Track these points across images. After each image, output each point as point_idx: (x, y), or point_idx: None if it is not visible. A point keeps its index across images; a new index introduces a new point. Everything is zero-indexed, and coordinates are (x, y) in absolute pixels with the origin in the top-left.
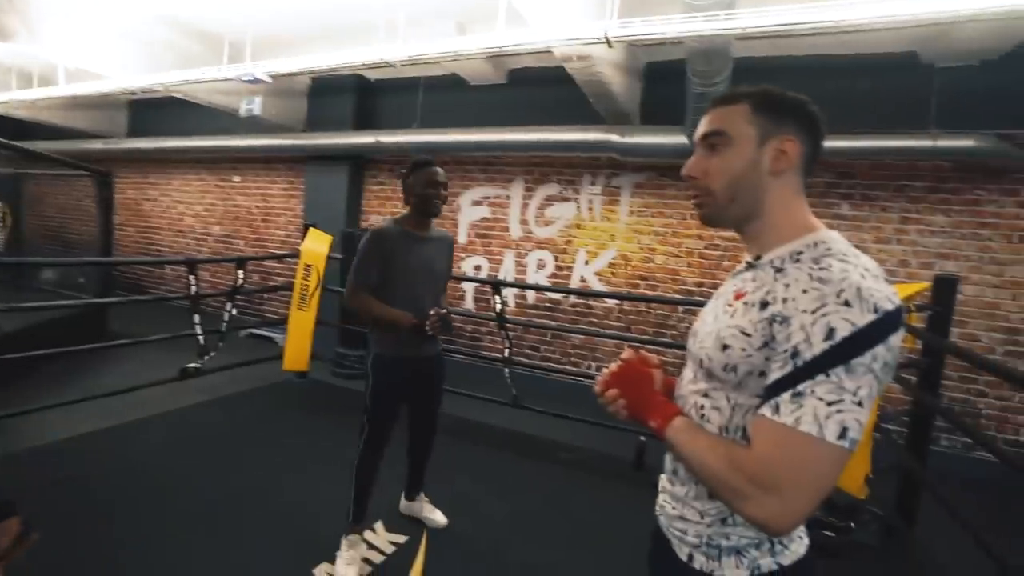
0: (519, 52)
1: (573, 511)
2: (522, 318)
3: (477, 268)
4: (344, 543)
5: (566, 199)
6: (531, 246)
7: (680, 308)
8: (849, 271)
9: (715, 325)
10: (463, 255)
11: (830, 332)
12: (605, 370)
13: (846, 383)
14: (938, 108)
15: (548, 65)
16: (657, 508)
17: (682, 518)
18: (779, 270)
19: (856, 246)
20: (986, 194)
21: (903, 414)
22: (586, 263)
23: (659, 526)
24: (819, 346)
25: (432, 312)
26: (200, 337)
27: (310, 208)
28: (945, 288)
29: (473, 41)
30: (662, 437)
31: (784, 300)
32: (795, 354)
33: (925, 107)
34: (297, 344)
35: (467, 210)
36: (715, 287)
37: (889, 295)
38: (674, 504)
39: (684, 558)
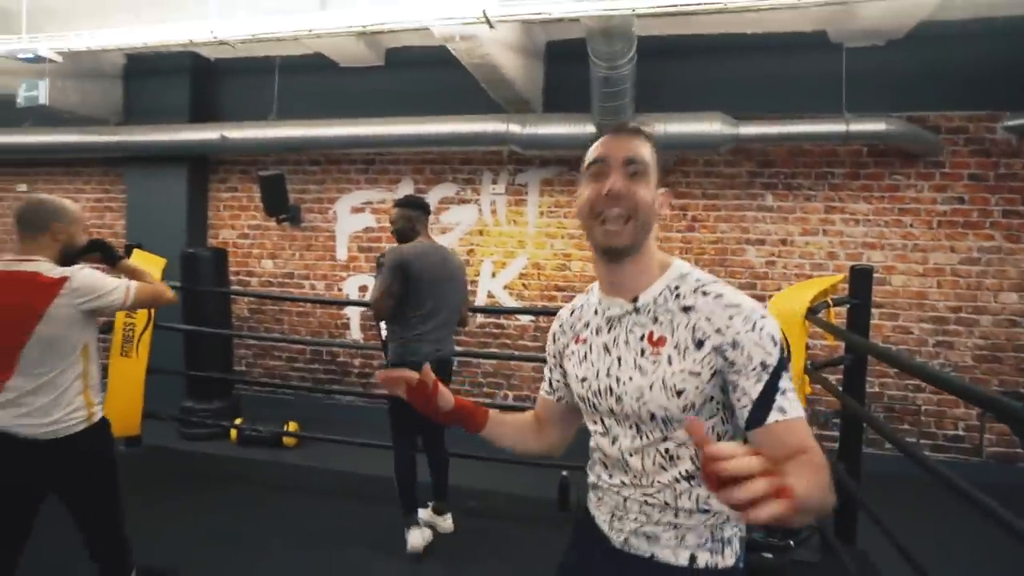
0: (393, 30)
1: (485, 569)
2: None
3: (363, 289)
4: None
5: (465, 201)
6: None
7: None
8: (737, 294)
9: (651, 376)
10: (344, 274)
11: (773, 338)
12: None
13: (789, 369)
14: (849, 90)
15: (432, 44)
16: (614, 537)
17: (673, 526)
18: (687, 308)
19: (783, 240)
20: (904, 179)
21: (832, 417)
22: (493, 275)
23: (617, 547)
24: (775, 352)
25: None
26: None
27: (135, 224)
28: (861, 279)
29: (332, 18)
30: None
31: (719, 331)
32: (764, 366)
33: (836, 89)
34: (123, 402)
35: (346, 219)
36: None
37: None
38: (655, 523)
39: (685, 562)
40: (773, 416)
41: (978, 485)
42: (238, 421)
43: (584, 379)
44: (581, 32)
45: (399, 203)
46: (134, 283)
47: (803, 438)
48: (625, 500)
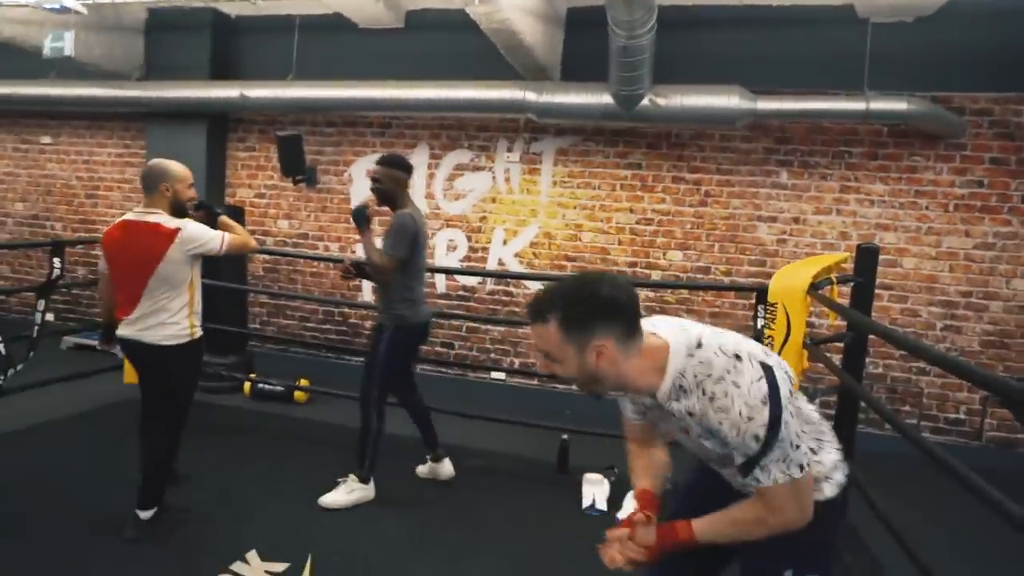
0: None
1: (483, 522)
2: (431, 309)
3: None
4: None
5: (479, 168)
6: (439, 224)
7: None
8: (730, 393)
9: (697, 442)
10: (357, 236)
11: (756, 438)
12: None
13: (783, 446)
14: (872, 68)
15: (451, 8)
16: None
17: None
18: (691, 413)
19: (796, 218)
20: (923, 161)
21: (826, 392)
22: (504, 243)
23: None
24: (756, 447)
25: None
26: (0, 346)
27: None
28: (866, 258)
29: None
30: (694, 539)
31: (714, 432)
32: (746, 455)
33: (859, 66)
34: None
35: (361, 182)
36: (649, 267)
37: (758, 366)
38: None
39: None
40: (750, 479)
41: (976, 468)
42: (252, 376)
43: (666, 432)
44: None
45: (387, 162)
46: (228, 235)
47: (764, 502)
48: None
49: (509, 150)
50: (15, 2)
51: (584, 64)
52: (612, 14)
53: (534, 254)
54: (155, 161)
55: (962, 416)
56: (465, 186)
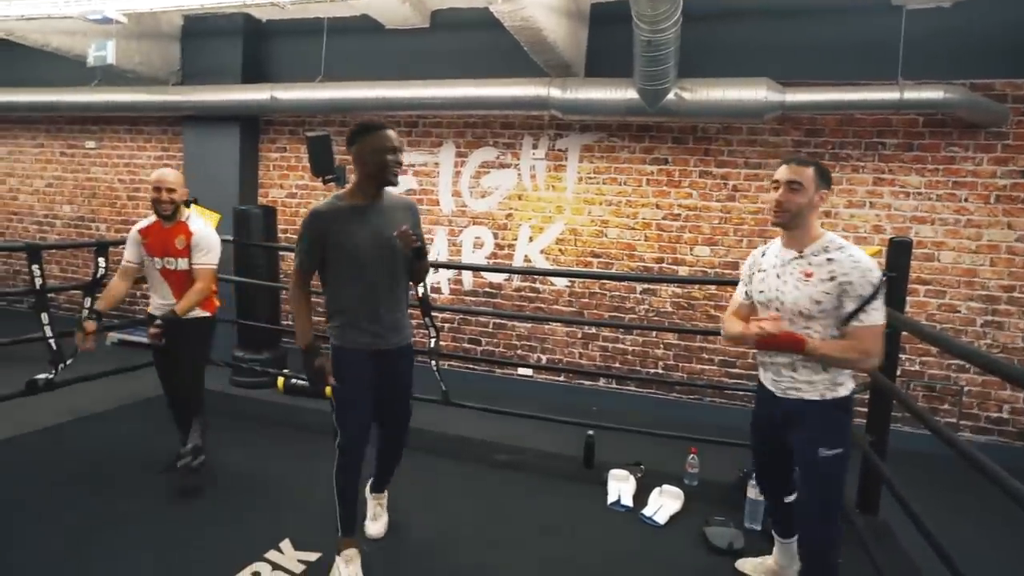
0: None
1: (512, 517)
2: (458, 306)
3: None
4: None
5: (505, 166)
6: (466, 222)
7: (639, 288)
8: (856, 256)
9: (802, 291)
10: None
11: (871, 284)
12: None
13: (879, 299)
14: (906, 55)
15: (476, 6)
16: (776, 391)
17: (809, 382)
18: (829, 259)
19: (826, 212)
20: (961, 151)
21: (859, 390)
22: (530, 240)
23: (779, 396)
24: (870, 290)
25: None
26: (51, 341)
27: (192, 181)
28: (900, 252)
29: None
30: (803, 350)
31: (844, 274)
32: (860, 296)
33: (893, 54)
34: None
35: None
36: (676, 262)
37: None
38: (799, 381)
39: (817, 397)
40: (856, 321)
41: (1020, 469)
42: (285, 371)
43: (762, 291)
44: None
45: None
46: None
47: (864, 337)
48: (780, 368)
49: (534, 147)
50: (60, 14)
51: (609, 59)
52: (636, 9)
53: (560, 251)
54: None
55: (1005, 415)
56: (491, 183)
